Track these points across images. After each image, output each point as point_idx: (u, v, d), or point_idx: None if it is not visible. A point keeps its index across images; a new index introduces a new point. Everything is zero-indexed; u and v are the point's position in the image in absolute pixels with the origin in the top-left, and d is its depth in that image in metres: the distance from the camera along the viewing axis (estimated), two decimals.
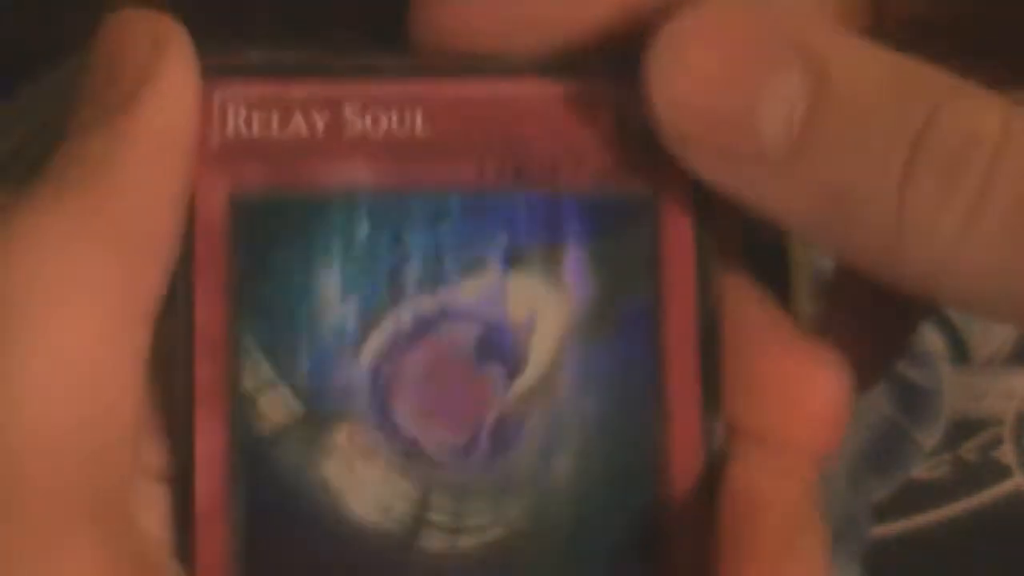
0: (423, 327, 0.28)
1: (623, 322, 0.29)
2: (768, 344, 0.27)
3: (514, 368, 0.29)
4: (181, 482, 0.28)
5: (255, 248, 0.28)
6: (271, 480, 0.28)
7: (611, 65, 0.28)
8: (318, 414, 0.28)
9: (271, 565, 0.28)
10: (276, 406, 0.28)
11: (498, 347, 0.28)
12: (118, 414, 0.26)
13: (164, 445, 0.28)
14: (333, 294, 0.28)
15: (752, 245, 0.28)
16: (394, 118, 0.28)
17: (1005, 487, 0.37)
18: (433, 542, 0.28)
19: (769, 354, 0.27)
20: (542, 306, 0.29)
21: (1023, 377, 0.37)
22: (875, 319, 0.30)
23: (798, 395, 0.27)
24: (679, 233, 0.28)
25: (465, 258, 0.28)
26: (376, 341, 0.28)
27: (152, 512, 0.28)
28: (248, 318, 0.28)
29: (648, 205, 0.28)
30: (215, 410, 0.28)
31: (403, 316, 0.28)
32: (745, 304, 0.28)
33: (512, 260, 0.28)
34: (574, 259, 0.28)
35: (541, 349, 0.29)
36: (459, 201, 0.28)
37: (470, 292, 0.28)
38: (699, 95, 0.25)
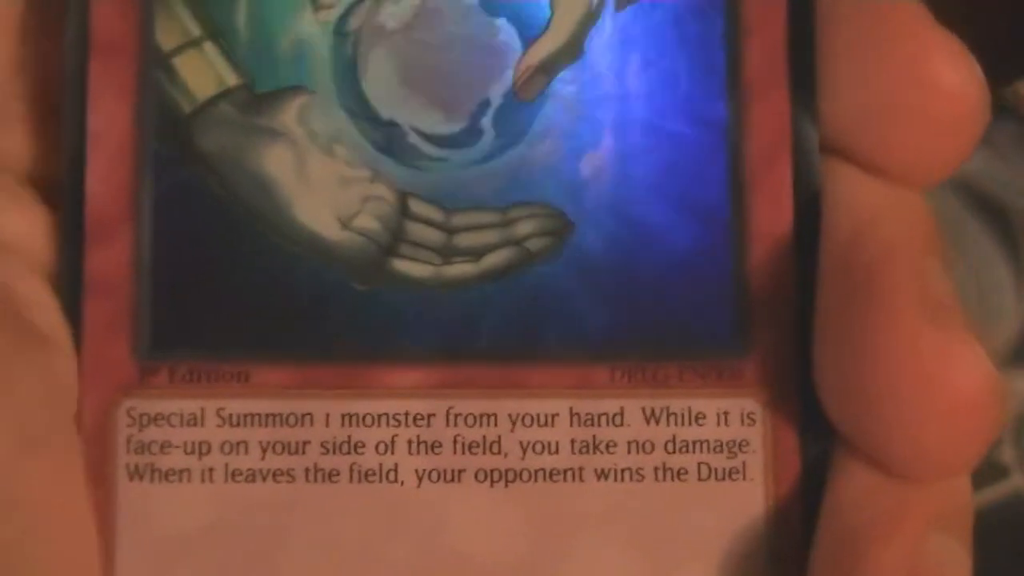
0: None
1: None
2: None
3: (531, 26, 0.20)
4: (68, 177, 0.20)
5: None
6: (191, 176, 0.20)
7: None
8: (259, 85, 0.20)
9: (187, 291, 0.20)
10: (201, 73, 0.20)
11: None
12: None
13: (36, 130, 0.20)
14: None
15: None
16: None
17: (1004, 487, 0.36)
18: (411, 265, 0.20)
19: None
20: None
21: (1023, 377, 0.36)
22: None
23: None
24: None
25: None
26: None
27: (20, 223, 0.20)
28: None
29: None
30: (116, 77, 0.20)
31: None
32: None
33: None
34: None
35: (568, 3, 0.20)
36: None
37: None
38: None
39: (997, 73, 0.20)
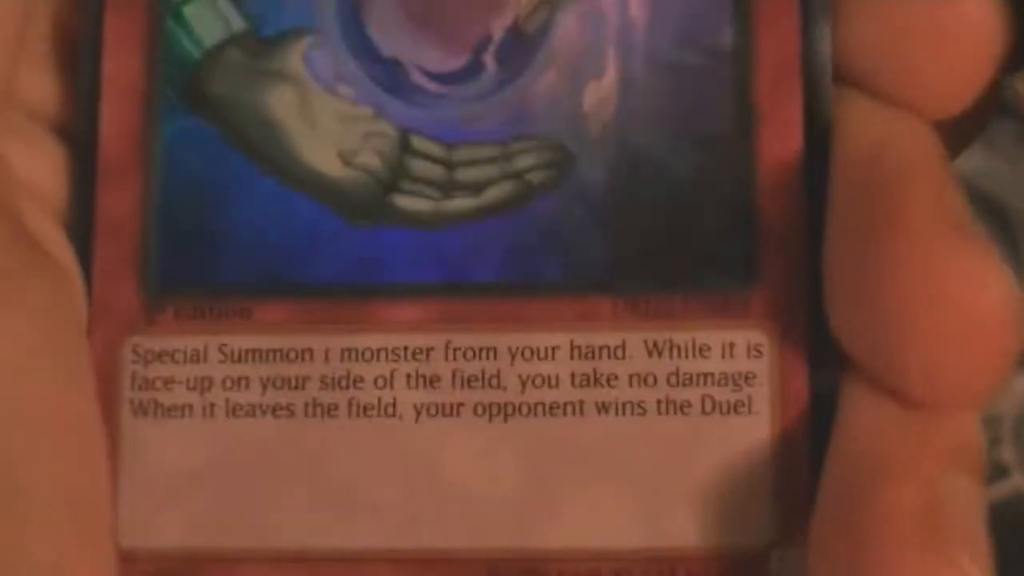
0: None
1: None
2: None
3: None
4: (80, 121, 0.20)
5: None
6: (199, 118, 0.20)
7: None
8: (264, 28, 0.20)
9: (193, 232, 0.20)
10: (208, 19, 0.20)
11: None
12: None
13: (53, 75, 0.21)
14: None
15: None
16: None
17: (1004, 487, 0.36)
18: (411, 201, 0.20)
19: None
20: None
21: (1023, 377, 0.35)
22: None
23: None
24: None
25: None
26: None
27: (36, 164, 0.20)
28: None
29: None
30: (127, 25, 0.20)
31: None
32: None
33: None
34: None
35: None
36: None
37: None
38: None
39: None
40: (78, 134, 0.20)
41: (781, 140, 0.19)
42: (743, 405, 0.19)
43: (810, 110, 0.19)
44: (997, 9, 0.19)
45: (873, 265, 0.18)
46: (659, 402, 0.19)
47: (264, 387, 0.19)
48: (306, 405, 0.19)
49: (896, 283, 0.17)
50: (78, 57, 0.20)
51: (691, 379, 0.19)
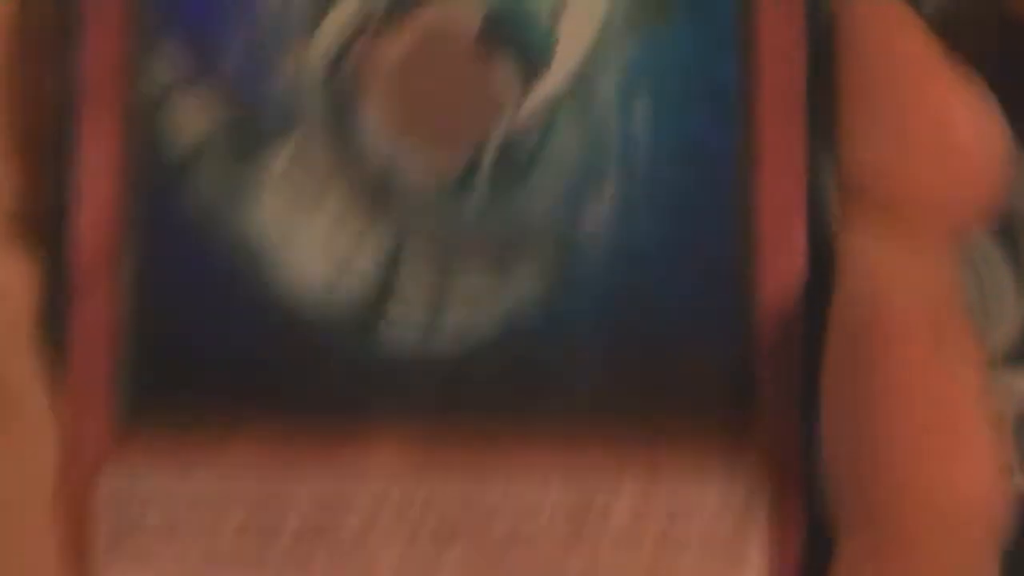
0: (403, 3, 0.19)
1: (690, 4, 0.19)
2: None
3: (533, 65, 0.19)
4: (55, 218, 0.19)
5: None
6: (179, 219, 0.19)
7: None
8: (250, 126, 0.19)
9: (171, 340, 0.19)
10: (191, 115, 0.19)
11: (511, 33, 0.19)
12: None
13: (25, 167, 0.20)
14: None
15: None
16: None
17: None
18: (398, 330, 0.19)
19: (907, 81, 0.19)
20: None
21: (1023, 377, 0.33)
22: None
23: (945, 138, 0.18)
24: None
25: None
26: (335, 23, 0.19)
27: (9, 275, 0.19)
28: None
29: None
30: (105, 118, 0.19)
31: None
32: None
33: None
34: None
35: (572, 39, 0.19)
36: None
37: None
38: None
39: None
40: (50, 242, 0.19)
41: (783, 268, 0.19)
42: (740, 542, 0.19)
43: (812, 234, 0.19)
44: (997, 124, 0.18)
45: (863, 434, 0.18)
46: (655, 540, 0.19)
47: (239, 534, 0.19)
48: (283, 554, 0.19)
49: (886, 465, 0.18)
50: (46, 159, 0.20)
51: (687, 521, 0.19)
